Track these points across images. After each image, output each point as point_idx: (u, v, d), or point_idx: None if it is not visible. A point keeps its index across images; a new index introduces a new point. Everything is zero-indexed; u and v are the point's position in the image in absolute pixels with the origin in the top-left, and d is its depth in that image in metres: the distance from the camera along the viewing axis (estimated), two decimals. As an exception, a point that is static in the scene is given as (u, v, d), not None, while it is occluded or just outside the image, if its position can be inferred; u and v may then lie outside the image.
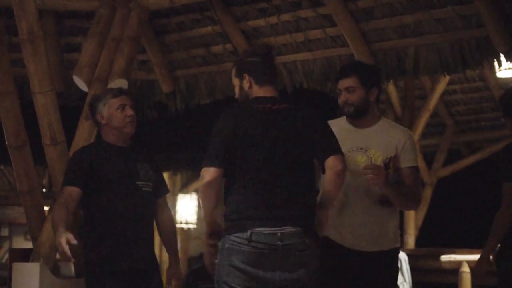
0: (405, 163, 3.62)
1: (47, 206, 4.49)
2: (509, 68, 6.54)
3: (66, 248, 3.34)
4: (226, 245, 3.24)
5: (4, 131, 4.21)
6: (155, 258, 3.94)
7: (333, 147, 3.30)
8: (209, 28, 5.36)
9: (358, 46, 4.87)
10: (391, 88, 7.78)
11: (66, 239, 3.36)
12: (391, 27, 4.82)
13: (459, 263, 7.16)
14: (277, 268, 3.23)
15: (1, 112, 4.14)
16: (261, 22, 5.17)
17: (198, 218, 10.17)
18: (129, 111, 3.87)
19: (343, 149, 3.45)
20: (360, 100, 3.64)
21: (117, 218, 3.73)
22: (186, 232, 10.58)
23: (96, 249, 3.76)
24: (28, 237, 9.49)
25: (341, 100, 3.68)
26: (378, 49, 4.92)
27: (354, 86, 3.64)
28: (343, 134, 3.61)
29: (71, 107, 5.26)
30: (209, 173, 3.27)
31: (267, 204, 3.28)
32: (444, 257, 7.37)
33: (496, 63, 4.71)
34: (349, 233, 3.60)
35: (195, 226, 10.36)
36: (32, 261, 4.27)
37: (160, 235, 4.04)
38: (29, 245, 4.67)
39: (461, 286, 7.07)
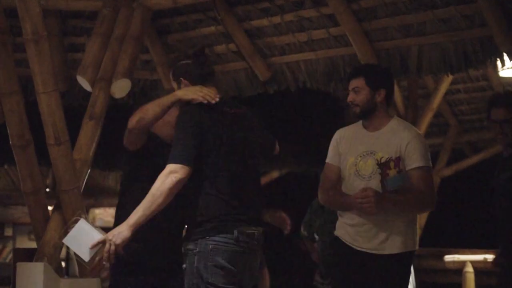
0: (411, 164, 3.60)
1: (51, 206, 4.49)
2: (513, 67, 6.53)
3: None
4: (210, 246, 3.26)
5: (8, 131, 4.21)
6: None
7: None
8: (212, 28, 5.36)
9: (361, 46, 4.87)
10: (395, 88, 7.77)
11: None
12: (394, 26, 4.82)
13: (463, 263, 7.17)
14: (248, 267, 3.36)
15: (6, 112, 4.15)
16: (264, 22, 5.17)
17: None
18: None
19: (356, 154, 3.64)
20: (366, 101, 3.68)
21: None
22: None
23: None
24: (32, 237, 9.51)
25: (348, 100, 3.73)
26: (381, 48, 4.92)
27: (359, 87, 3.69)
28: (355, 138, 3.74)
29: (75, 107, 5.27)
30: (183, 170, 3.24)
31: (244, 205, 3.37)
32: (448, 257, 7.38)
33: (499, 63, 4.70)
34: (358, 234, 3.61)
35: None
36: (36, 261, 4.28)
37: None
38: (32, 245, 4.67)
39: (465, 286, 7.08)
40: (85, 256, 3.21)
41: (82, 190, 4.46)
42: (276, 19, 5.11)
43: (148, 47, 5.53)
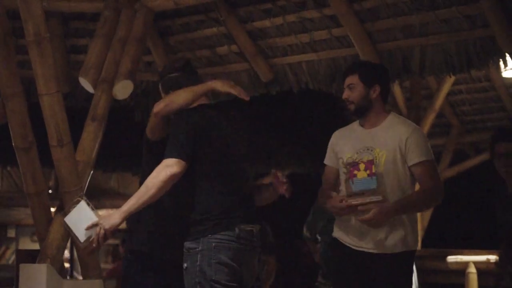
0: (413, 159, 3.55)
1: (53, 207, 4.50)
2: (515, 68, 6.53)
3: None
4: (213, 244, 3.31)
5: (11, 133, 4.21)
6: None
7: None
8: (214, 29, 5.37)
9: (363, 47, 4.87)
10: (397, 89, 7.77)
11: None
12: (397, 27, 4.82)
13: (466, 263, 7.16)
14: (249, 264, 3.41)
15: (8, 113, 4.15)
16: (266, 23, 5.17)
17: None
18: None
19: (353, 151, 3.59)
20: (360, 97, 3.64)
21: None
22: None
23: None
24: (35, 238, 9.51)
25: (343, 97, 3.71)
26: (384, 49, 4.92)
27: (354, 83, 3.65)
28: (352, 136, 3.70)
29: (77, 109, 5.27)
30: (179, 165, 3.32)
31: (242, 203, 3.45)
32: (451, 258, 7.37)
33: (501, 63, 4.69)
34: (356, 234, 3.58)
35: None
36: (39, 262, 4.28)
37: None
38: (35, 246, 4.68)
39: (468, 287, 7.07)
40: (81, 236, 3.39)
41: (84, 191, 4.46)
42: (278, 20, 5.11)
43: (150, 48, 5.53)
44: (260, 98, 5.65)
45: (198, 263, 3.30)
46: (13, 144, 4.24)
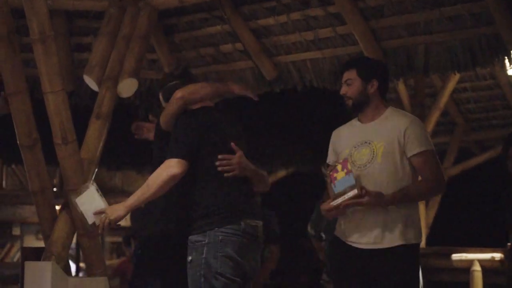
0: (412, 150, 3.49)
1: (58, 205, 4.50)
2: (520, 66, 6.51)
3: None
4: (220, 237, 3.37)
5: (15, 131, 4.22)
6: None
7: None
8: (218, 27, 5.36)
9: (368, 44, 4.87)
10: (401, 87, 7.76)
11: None
12: (401, 25, 4.81)
13: (471, 261, 7.15)
14: (250, 258, 3.47)
15: (13, 111, 4.16)
16: (270, 21, 5.17)
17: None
18: None
19: (350, 146, 3.57)
20: (358, 93, 3.60)
21: None
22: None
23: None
24: (40, 236, 9.51)
25: (341, 93, 3.67)
26: (388, 47, 4.92)
27: (352, 79, 3.61)
28: (351, 132, 3.67)
29: (82, 107, 5.28)
30: (180, 164, 3.41)
31: (247, 198, 3.53)
32: (455, 256, 7.36)
33: (507, 61, 4.69)
34: (354, 230, 3.54)
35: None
36: (44, 260, 4.29)
37: None
38: (40, 244, 4.69)
39: (473, 285, 7.06)
40: (90, 219, 3.57)
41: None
42: (283, 18, 5.10)
43: (155, 46, 5.53)
44: (264, 96, 5.65)
45: (204, 255, 3.35)
46: (17, 142, 4.24)
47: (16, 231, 10.41)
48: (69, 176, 4.32)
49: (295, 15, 5.05)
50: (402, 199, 3.47)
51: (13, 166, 9.80)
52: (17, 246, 10.21)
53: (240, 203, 3.48)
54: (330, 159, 3.78)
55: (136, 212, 3.76)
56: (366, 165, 3.49)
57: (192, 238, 3.43)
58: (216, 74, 5.64)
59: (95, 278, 4.39)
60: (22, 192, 9.78)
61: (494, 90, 8.15)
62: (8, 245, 10.28)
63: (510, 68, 6.77)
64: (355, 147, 3.57)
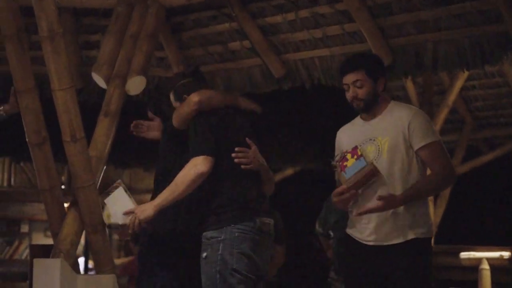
0: (418, 143, 3.46)
1: (67, 203, 4.51)
2: (529, 64, 6.50)
3: None
4: (236, 234, 3.39)
5: (24, 128, 4.23)
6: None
7: None
8: (226, 25, 5.37)
9: (376, 42, 4.86)
10: (409, 84, 7.75)
11: None
12: (410, 22, 4.80)
13: (479, 260, 7.13)
14: (263, 256, 3.50)
15: (22, 109, 4.16)
16: (278, 18, 5.17)
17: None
18: None
19: (355, 143, 3.53)
20: (370, 94, 3.55)
21: None
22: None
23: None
24: (47, 233, 9.57)
25: (350, 95, 3.59)
26: (396, 45, 4.91)
27: (361, 80, 3.54)
28: (355, 130, 3.66)
29: (90, 104, 5.29)
30: (206, 161, 3.43)
31: (260, 196, 3.57)
32: (464, 254, 7.35)
33: (515, 59, 4.67)
34: (365, 227, 3.53)
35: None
36: (53, 257, 4.30)
37: None
38: (48, 241, 4.70)
39: (481, 283, 7.04)
40: (119, 219, 3.62)
41: (97, 187, 4.48)
42: (291, 16, 5.10)
43: (163, 44, 5.54)
44: (272, 94, 5.65)
45: (219, 252, 3.37)
46: (26, 139, 4.25)
47: (25, 228, 10.42)
48: (77, 174, 4.32)
49: (303, 13, 5.04)
50: (414, 197, 3.43)
51: (22, 163, 9.81)
52: (25, 243, 10.23)
53: (254, 200, 3.51)
54: (335, 159, 3.76)
55: None
56: (371, 162, 3.44)
57: (207, 234, 3.44)
58: (224, 72, 5.64)
59: (104, 276, 4.40)
60: (31, 189, 9.80)
61: (502, 88, 8.11)
62: (16, 243, 10.30)
63: (519, 66, 6.76)
64: (360, 145, 3.52)
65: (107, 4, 5.08)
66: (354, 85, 3.56)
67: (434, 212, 8.09)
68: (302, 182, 10.09)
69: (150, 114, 4.31)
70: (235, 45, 5.47)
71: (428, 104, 7.83)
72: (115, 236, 10.79)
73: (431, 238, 3.57)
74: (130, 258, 9.58)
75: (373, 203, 3.39)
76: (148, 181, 10.04)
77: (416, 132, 3.47)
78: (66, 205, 4.50)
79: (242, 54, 5.51)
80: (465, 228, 8.75)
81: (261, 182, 3.64)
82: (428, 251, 3.54)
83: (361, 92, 3.55)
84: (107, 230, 4.52)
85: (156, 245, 3.79)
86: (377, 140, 3.51)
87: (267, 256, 3.55)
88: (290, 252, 6.55)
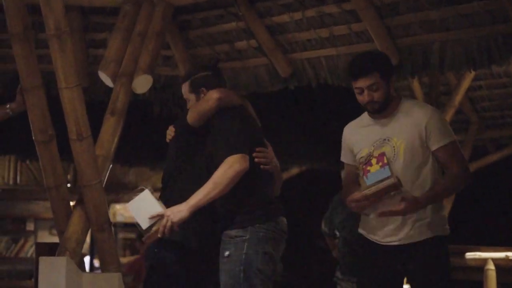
0: (435, 144, 3.42)
1: (72, 201, 4.52)
2: (536, 64, 6.47)
3: None
4: (261, 234, 3.37)
5: (31, 126, 4.24)
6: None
7: None
8: (233, 24, 5.36)
9: (383, 42, 4.85)
10: (416, 84, 7.72)
11: None
12: (417, 22, 4.79)
13: (484, 260, 7.10)
14: (279, 255, 3.50)
15: (28, 107, 4.17)
16: (285, 17, 5.16)
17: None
18: None
19: (369, 144, 3.50)
20: (385, 96, 3.49)
21: None
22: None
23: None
24: (53, 231, 9.58)
25: (364, 99, 3.50)
26: (403, 44, 4.90)
27: (376, 83, 3.46)
28: (366, 129, 3.59)
29: (97, 102, 5.30)
30: (244, 159, 3.38)
31: (275, 196, 3.57)
32: (469, 255, 7.31)
33: (522, 59, 4.66)
34: (381, 228, 3.48)
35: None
36: (59, 255, 4.30)
37: None
38: (53, 239, 4.71)
39: (486, 284, 7.02)
40: (144, 224, 3.46)
41: (103, 185, 4.48)
42: (298, 15, 5.10)
43: (169, 43, 5.54)
44: (278, 93, 5.65)
45: (244, 251, 3.35)
46: (33, 137, 4.26)
47: (30, 226, 10.45)
48: (83, 172, 4.33)
49: (310, 12, 5.04)
50: (435, 199, 3.41)
51: (28, 162, 9.83)
52: (31, 241, 10.26)
53: (274, 200, 3.51)
54: (344, 158, 3.72)
55: None
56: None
57: (231, 233, 3.41)
58: (230, 71, 5.64)
59: (109, 274, 4.40)
60: (36, 187, 9.82)
61: (509, 88, 8.08)
62: (22, 241, 10.33)
63: (526, 66, 6.73)
64: (373, 146, 3.48)
65: (114, 2, 5.08)
66: (369, 89, 3.47)
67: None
68: (308, 181, 10.09)
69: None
70: (241, 44, 5.47)
71: (434, 104, 7.81)
72: (120, 235, 10.82)
73: (447, 236, 3.54)
74: (135, 256, 9.60)
75: (396, 206, 3.34)
76: (154, 180, 10.05)
77: (434, 132, 3.43)
78: (72, 203, 4.50)
79: (249, 53, 5.51)
80: (471, 228, 8.73)
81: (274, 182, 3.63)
82: (446, 248, 3.52)
83: (377, 95, 3.47)
84: (113, 228, 4.53)
85: (170, 243, 3.76)
86: (392, 140, 3.46)
87: (280, 255, 3.54)
88: (295, 252, 6.55)
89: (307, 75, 5.35)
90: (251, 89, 5.53)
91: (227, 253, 3.40)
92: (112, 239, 4.50)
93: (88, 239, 4.54)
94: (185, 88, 3.76)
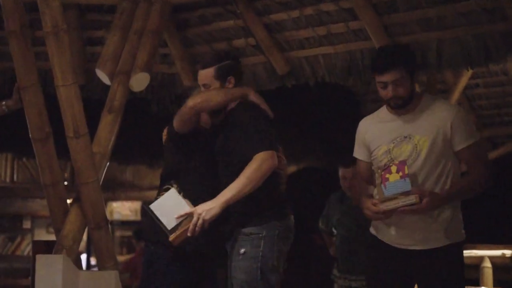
0: (459, 144, 3.31)
1: (69, 199, 4.51)
2: (533, 63, 6.47)
3: None
4: (277, 231, 3.39)
5: (27, 124, 4.23)
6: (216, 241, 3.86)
7: None
8: (231, 22, 5.36)
9: (380, 40, 4.85)
10: (413, 82, 7.72)
11: None
12: (414, 20, 4.78)
13: (481, 258, 7.12)
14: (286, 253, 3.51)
15: (25, 105, 4.17)
16: (283, 16, 5.16)
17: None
18: None
19: (388, 141, 3.38)
20: (409, 91, 3.37)
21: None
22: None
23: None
24: (50, 229, 9.57)
25: (388, 94, 3.37)
26: (401, 42, 4.88)
27: (401, 78, 3.34)
28: (385, 125, 3.45)
29: (94, 100, 5.29)
30: (275, 156, 3.38)
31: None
32: (465, 252, 7.28)
33: (520, 57, 4.66)
34: (396, 230, 3.37)
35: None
36: (55, 253, 4.30)
37: None
38: (50, 237, 4.70)
39: (483, 282, 7.03)
40: (169, 224, 3.34)
41: (100, 183, 4.48)
42: (295, 13, 5.09)
43: (167, 41, 5.53)
44: (276, 91, 5.64)
45: (261, 248, 3.36)
46: (30, 135, 4.25)
47: (27, 224, 10.43)
48: (80, 170, 4.33)
49: (308, 10, 5.03)
50: (456, 196, 3.32)
51: (24, 159, 9.82)
52: (27, 239, 10.25)
53: (284, 199, 3.52)
54: (358, 154, 3.59)
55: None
56: (408, 163, 3.29)
57: (247, 230, 3.40)
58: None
59: (106, 272, 4.40)
60: (33, 185, 9.81)
61: (506, 87, 8.09)
62: (18, 239, 10.32)
63: (523, 65, 6.74)
64: (393, 143, 3.37)
65: (111, 0, 5.07)
66: (393, 84, 3.34)
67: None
68: (305, 179, 10.09)
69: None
70: (239, 42, 5.46)
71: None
72: (117, 233, 10.81)
73: (464, 241, 3.47)
74: (132, 254, 9.60)
75: (419, 205, 3.22)
76: (152, 178, 10.05)
77: (459, 132, 3.32)
78: (69, 201, 4.50)
79: (247, 51, 5.50)
80: (467, 226, 8.73)
81: None
82: (461, 254, 3.44)
83: (401, 91, 3.35)
84: (109, 226, 4.53)
85: (163, 245, 3.76)
86: (414, 138, 3.34)
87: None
88: (292, 249, 6.54)
89: (304, 73, 5.35)
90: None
91: (242, 250, 3.38)
92: (109, 237, 4.50)
93: (84, 237, 4.53)
94: (207, 74, 3.66)
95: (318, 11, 5.01)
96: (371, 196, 3.44)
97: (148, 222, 3.71)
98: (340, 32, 5.07)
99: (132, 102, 5.15)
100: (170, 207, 3.38)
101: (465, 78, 7.55)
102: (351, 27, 5.00)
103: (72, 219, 4.38)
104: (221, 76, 3.64)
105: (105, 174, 4.59)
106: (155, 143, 4.56)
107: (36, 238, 10.02)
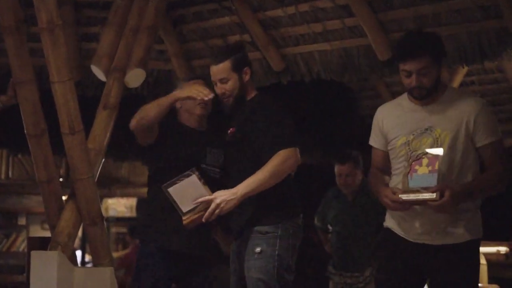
0: (482, 140, 3.17)
1: (65, 195, 4.51)
2: (528, 60, 6.48)
3: None
4: (291, 230, 3.38)
5: (23, 120, 4.22)
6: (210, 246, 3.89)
7: None
8: (227, 18, 5.36)
9: (376, 37, 4.86)
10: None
11: None
12: (410, 17, 4.79)
13: (476, 255, 7.13)
14: None
15: (20, 101, 4.16)
16: (278, 12, 5.16)
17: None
18: None
19: (407, 132, 3.22)
20: (434, 81, 3.19)
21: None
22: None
23: (147, 224, 3.85)
24: (45, 226, 9.56)
25: (412, 83, 3.18)
26: (396, 39, 4.87)
27: (427, 67, 3.14)
28: (405, 115, 3.31)
29: (89, 96, 5.28)
30: (298, 153, 3.39)
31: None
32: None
33: (515, 54, 4.67)
34: (413, 224, 3.25)
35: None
36: (50, 249, 4.30)
37: None
38: (45, 234, 4.70)
39: (478, 278, 7.04)
40: (184, 207, 3.37)
41: (96, 179, 4.47)
42: (291, 10, 5.09)
43: (162, 37, 5.53)
44: (271, 87, 5.64)
45: (277, 247, 3.34)
46: (25, 131, 4.24)
47: (22, 221, 10.43)
48: (76, 166, 4.32)
49: (304, 7, 5.04)
50: (477, 193, 3.19)
51: (19, 156, 9.81)
52: (22, 236, 10.25)
53: (296, 198, 3.51)
54: (374, 142, 3.44)
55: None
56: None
57: (262, 229, 3.37)
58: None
59: (101, 268, 4.39)
60: (28, 182, 9.80)
61: (501, 84, 8.10)
62: (13, 235, 10.31)
63: (518, 62, 6.74)
64: (413, 134, 3.23)
65: (107, -4, 5.07)
66: (418, 73, 3.15)
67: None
68: (300, 176, 10.09)
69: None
70: (235, 38, 5.45)
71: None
72: (113, 229, 10.81)
73: (481, 238, 3.34)
74: (126, 250, 9.60)
75: (439, 201, 3.08)
76: (147, 174, 10.04)
77: (483, 128, 3.18)
78: (64, 197, 4.49)
79: (242, 47, 5.50)
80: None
81: None
82: (478, 251, 3.31)
83: (426, 81, 3.16)
84: (105, 223, 4.53)
85: (150, 244, 3.80)
86: (436, 131, 3.19)
87: None
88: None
89: (300, 69, 5.35)
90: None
91: (258, 249, 3.35)
92: (104, 234, 4.50)
93: (78, 234, 4.53)
94: (224, 67, 3.59)
95: (314, 8, 5.01)
96: (387, 185, 3.34)
97: (141, 219, 3.73)
98: (336, 28, 5.08)
99: (128, 98, 5.13)
100: (189, 191, 3.39)
101: (460, 75, 7.56)
102: (346, 24, 5.00)
103: (67, 216, 4.38)
104: (238, 68, 3.58)
105: (100, 170, 4.58)
106: (150, 139, 4.54)
107: (31, 234, 10.02)
